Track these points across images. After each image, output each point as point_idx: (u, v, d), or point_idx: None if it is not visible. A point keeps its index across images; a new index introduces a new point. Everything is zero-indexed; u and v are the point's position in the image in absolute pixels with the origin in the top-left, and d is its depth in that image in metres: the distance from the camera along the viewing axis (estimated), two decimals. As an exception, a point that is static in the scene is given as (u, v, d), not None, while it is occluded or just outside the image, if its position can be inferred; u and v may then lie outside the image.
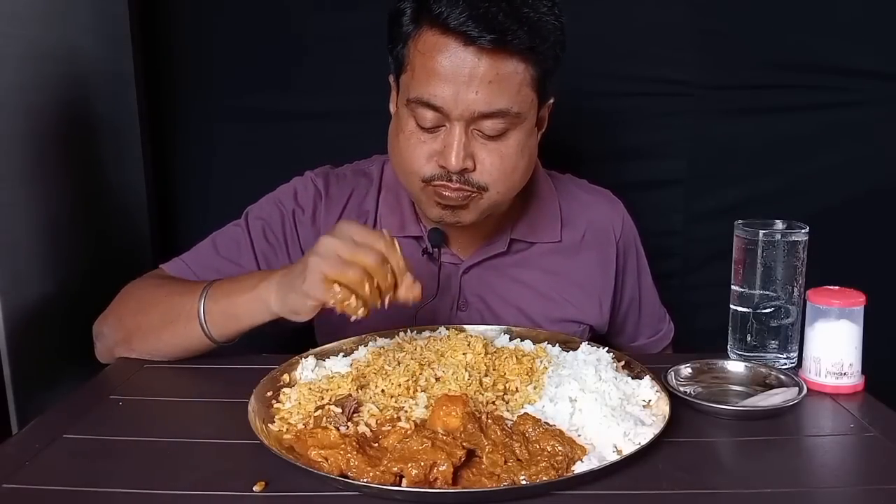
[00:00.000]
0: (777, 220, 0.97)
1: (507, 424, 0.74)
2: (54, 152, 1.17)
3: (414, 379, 0.84)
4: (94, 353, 1.03)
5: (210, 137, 1.54)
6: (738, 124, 1.49)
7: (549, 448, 0.70)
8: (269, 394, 0.84)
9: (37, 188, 1.13)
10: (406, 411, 0.78)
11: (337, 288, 0.79)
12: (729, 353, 1.00)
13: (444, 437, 0.70)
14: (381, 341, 0.96)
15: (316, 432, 0.73)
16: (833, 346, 0.88)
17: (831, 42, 1.44)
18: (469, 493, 0.66)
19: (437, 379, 0.84)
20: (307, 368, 0.90)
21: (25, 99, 1.09)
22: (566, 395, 0.79)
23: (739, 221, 0.98)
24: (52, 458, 0.73)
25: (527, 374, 0.87)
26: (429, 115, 0.93)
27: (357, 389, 0.83)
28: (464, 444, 0.69)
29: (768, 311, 0.96)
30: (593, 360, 0.87)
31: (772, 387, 0.89)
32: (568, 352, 0.93)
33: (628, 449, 0.71)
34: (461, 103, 0.91)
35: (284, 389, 0.85)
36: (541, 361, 0.90)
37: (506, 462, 0.69)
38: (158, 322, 0.96)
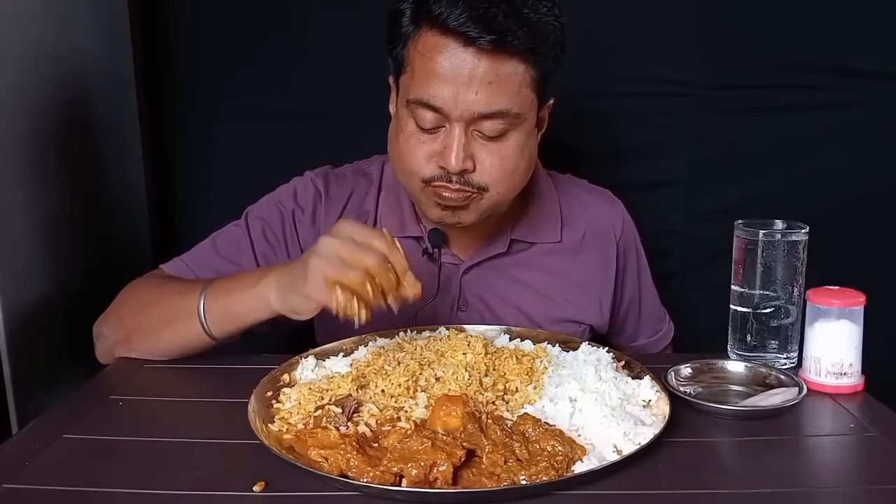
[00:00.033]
0: (777, 220, 0.97)
1: (507, 424, 0.74)
2: (54, 152, 1.17)
3: (414, 379, 0.84)
4: (94, 354, 1.03)
5: (210, 137, 1.54)
6: (738, 124, 1.49)
7: (549, 448, 0.70)
8: (269, 394, 0.84)
9: (37, 188, 1.13)
10: (406, 411, 0.78)
11: (339, 292, 0.79)
12: (729, 353, 1.00)
13: (444, 437, 0.70)
14: (381, 341, 0.96)
15: (316, 432, 0.73)
16: (833, 346, 0.88)
17: (831, 42, 1.44)
18: (469, 493, 0.66)
19: (437, 379, 0.84)
20: (307, 368, 0.90)
21: (25, 99, 1.09)
22: (566, 395, 0.79)
23: (739, 221, 0.98)
24: (52, 458, 0.73)
25: (527, 374, 0.87)
26: (428, 116, 0.93)
27: (357, 389, 0.83)
28: (464, 444, 0.69)
29: (768, 311, 0.96)
30: (593, 360, 0.87)
31: (772, 387, 0.89)
32: (568, 352, 0.93)
33: (628, 449, 0.71)
34: (461, 104, 0.90)
35: (284, 389, 0.85)
36: (541, 361, 0.90)
37: (506, 462, 0.69)
38: (158, 321, 0.96)
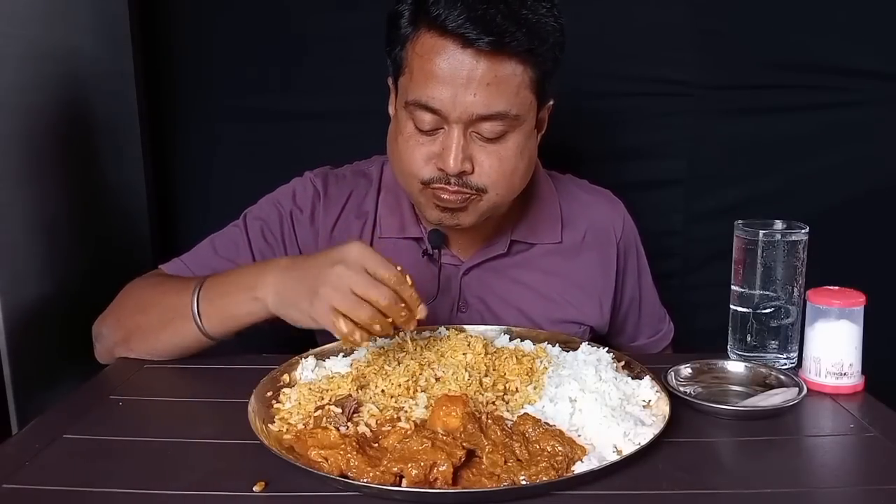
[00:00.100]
0: (777, 220, 0.97)
1: (507, 424, 0.74)
2: (54, 152, 1.17)
3: (414, 379, 0.84)
4: (94, 354, 1.03)
5: (210, 137, 1.54)
6: (738, 124, 1.49)
7: (549, 448, 0.70)
8: (269, 394, 0.84)
9: (37, 188, 1.13)
10: (406, 411, 0.78)
11: (343, 323, 0.80)
12: (729, 353, 1.00)
13: (444, 437, 0.70)
14: (381, 341, 0.96)
15: (316, 432, 0.73)
16: (833, 346, 0.88)
17: (831, 42, 1.44)
18: (469, 493, 0.66)
19: (437, 379, 0.84)
20: (307, 368, 0.90)
21: (25, 99, 1.09)
22: (566, 395, 0.79)
23: (739, 221, 0.98)
24: (52, 458, 0.73)
25: (527, 375, 0.87)
26: (427, 118, 0.93)
27: (357, 389, 0.83)
28: (464, 444, 0.69)
29: (768, 311, 0.96)
30: (593, 361, 0.87)
31: (772, 387, 0.89)
32: (568, 352, 0.93)
33: (628, 449, 0.71)
34: (459, 106, 0.90)
35: (284, 389, 0.85)
36: (541, 361, 0.90)
37: (506, 462, 0.69)
38: (157, 322, 0.96)
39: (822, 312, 0.89)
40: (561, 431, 0.73)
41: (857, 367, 0.89)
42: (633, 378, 0.85)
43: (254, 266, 0.96)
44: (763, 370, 0.92)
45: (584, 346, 0.93)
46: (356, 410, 0.78)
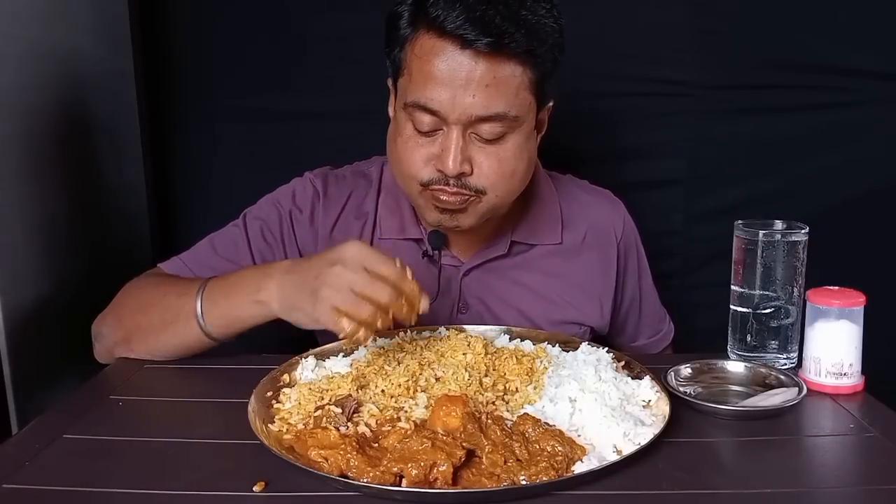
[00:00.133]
0: (777, 220, 0.97)
1: (507, 424, 0.74)
2: (54, 152, 1.17)
3: (414, 379, 0.84)
4: (94, 354, 1.03)
5: (210, 138, 1.54)
6: (738, 124, 1.49)
7: (549, 448, 0.70)
8: (269, 394, 0.84)
9: (37, 188, 1.13)
10: (406, 411, 0.78)
11: (346, 322, 0.80)
12: (729, 353, 1.00)
13: (444, 437, 0.70)
14: (381, 341, 0.96)
15: (316, 432, 0.73)
16: (833, 346, 0.88)
17: (831, 42, 1.44)
18: (469, 493, 0.66)
19: (437, 379, 0.84)
20: (307, 368, 0.90)
21: (25, 99, 1.09)
22: (566, 395, 0.79)
23: (739, 221, 0.98)
24: (52, 458, 0.73)
25: (527, 375, 0.87)
26: (426, 119, 0.92)
27: (357, 389, 0.83)
28: (464, 444, 0.69)
29: (768, 311, 0.96)
30: (593, 361, 0.87)
31: (772, 387, 0.89)
32: (568, 352, 0.93)
33: (628, 449, 0.71)
34: (458, 107, 0.90)
35: (284, 389, 0.85)
36: (541, 362, 0.90)
37: (506, 462, 0.69)
38: (158, 322, 0.96)
39: (822, 312, 0.89)
40: (561, 431, 0.73)
41: (857, 367, 0.89)
42: (632, 378, 0.85)
43: (256, 269, 0.96)
44: (763, 370, 0.92)
45: (584, 347, 0.93)
46: (356, 410, 0.78)
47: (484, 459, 0.69)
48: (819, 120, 1.47)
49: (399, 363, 0.88)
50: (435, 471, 0.67)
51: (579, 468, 0.68)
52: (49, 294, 1.14)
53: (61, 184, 1.19)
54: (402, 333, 0.98)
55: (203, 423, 0.82)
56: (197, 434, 0.78)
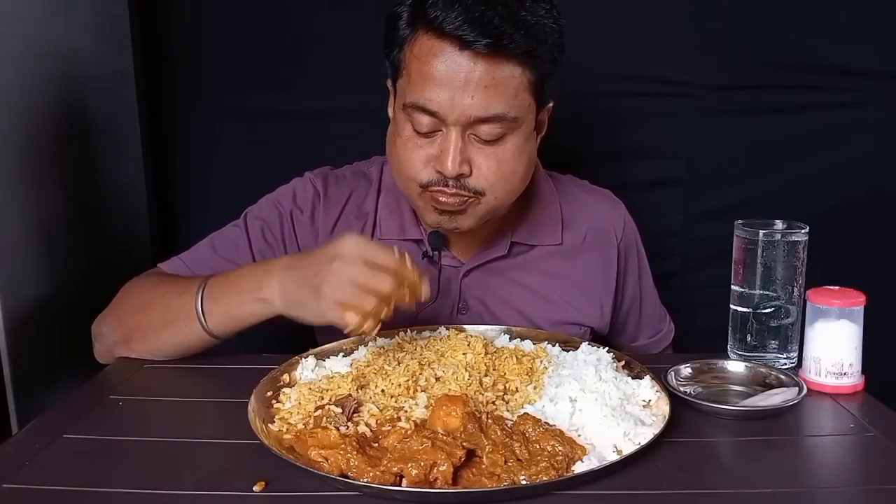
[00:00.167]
0: (777, 220, 0.97)
1: (507, 424, 0.74)
2: (54, 152, 1.17)
3: (414, 379, 0.84)
4: (94, 354, 1.03)
5: (210, 137, 1.54)
6: (738, 124, 1.49)
7: (549, 448, 0.70)
8: (269, 394, 0.84)
9: (37, 188, 1.13)
10: (406, 411, 0.78)
11: (351, 315, 0.80)
12: (729, 353, 1.00)
13: (444, 437, 0.70)
14: (381, 341, 0.96)
15: (316, 432, 0.73)
16: (833, 346, 0.88)
17: (831, 42, 1.44)
18: (469, 493, 0.66)
19: (437, 379, 0.84)
20: (307, 368, 0.90)
21: (25, 99, 1.09)
22: (566, 395, 0.79)
23: (739, 221, 0.98)
24: (52, 458, 0.73)
25: (527, 374, 0.87)
26: (425, 120, 0.92)
27: (357, 389, 0.83)
28: (464, 444, 0.69)
29: (768, 311, 0.96)
30: (593, 360, 0.87)
31: (772, 387, 0.89)
32: (568, 352, 0.93)
33: (628, 449, 0.71)
34: (457, 108, 0.90)
35: (284, 389, 0.85)
36: (541, 361, 0.90)
37: (506, 462, 0.69)
38: (158, 322, 0.96)
39: (822, 312, 0.89)
40: (561, 431, 0.73)
41: (857, 367, 0.89)
42: (633, 378, 0.85)
43: (256, 266, 0.96)
44: (763, 370, 0.92)
45: (584, 346, 0.93)
46: (356, 410, 0.78)
47: (484, 459, 0.69)
48: (819, 120, 1.47)
49: (399, 363, 0.88)
50: (435, 471, 0.67)
51: (579, 468, 0.68)
52: (49, 294, 1.14)
53: (61, 184, 1.19)
54: (402, 333, 0.98)
55: (203, 423, 0.82)
56: (197, 434, 0.78)
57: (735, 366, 0.93)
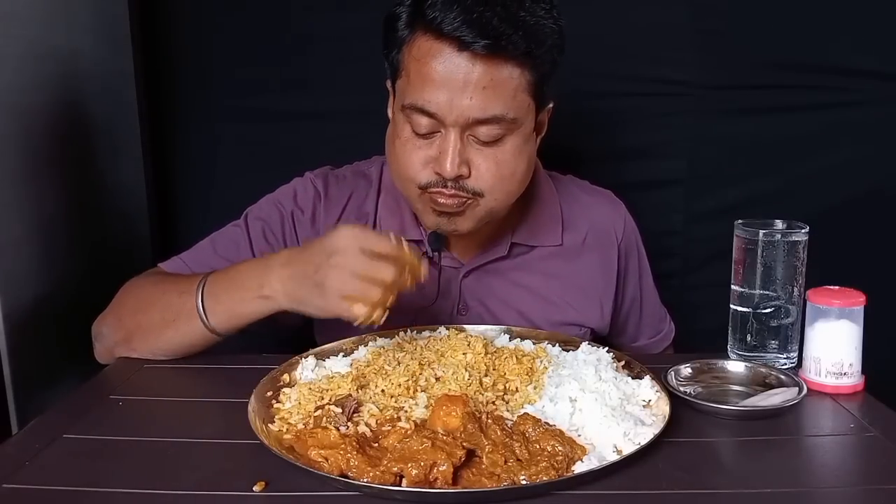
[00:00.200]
0: (777, 220, 0.97)
1: (507, 424, 0.74)
2: (54, 152, 1.17)
3: (414, 379, 0.84)
4: (94, 354, 1.03)
5: (210, 138, 1.54)
6: (738, 124, 1.49)
7: (549, 448, 0.70)
8: (269, 394, 0.84)
9: (37, 188, 1.13)
10: (406, 411, 0.78)
11: (358, 306, 0.81)
12: (729, 353, 1.00)
13: (444, 437, 0.70)
14: (381, 341, 0.96)
15: (316, 432, 0.73)
16: (833, 346, 0.88)
17: (831, 42, 1.44)
18: (469, 493, 0.66)
19: (437, 379, 0.84)
20: (307, 368, 0.90)
21: (25, 99, 1.09)
22: (566, 395, 0.79)
23: (739, 221, 0.98)
24: (52, 458, 0.73)
25: (527, 374, 0.87)
26: (423, 122, 0.92)
27: (357, 389, 0.83)
28: (464, 444, 0.69)
29: (768, 311, 0.96)
30: (593, 360, 0.87)
31: (772, 387, 0.89)
32: (568, 352, 0.93)
33: (628, 449, 0.71)
34: (455, 109, 0.90)
35: (284, 389, 0.85)
36: (541, 361, 0.90)
37: (506, 462, 0.69)
38: (159, 321, 0.96)
39: (822, 312, 0.89)
40: (561, 431, 0.73)
41: (857, 367, 0.89)
42: (633, 378, 0.85)
43: (255, 263, 0.95)
44: (763, 370, 0.92)
45: (584, 346, 0.93)
46: (356, 410, 0.78)
47: (484, 459, 0.69)
48: (819, 120, 1.47)
49: (399, 363, 0.88)
50: (435, 471, 0.67)
51: (579, 468, 0.68)
52: (48, 294, 1.14)
53: (61, 183, 1.19)
54: (402, 333, 0.98)
55: (203, 423, 0.82)
56: (197, 434, 0.78)
57: (735, 366, 0.93)
